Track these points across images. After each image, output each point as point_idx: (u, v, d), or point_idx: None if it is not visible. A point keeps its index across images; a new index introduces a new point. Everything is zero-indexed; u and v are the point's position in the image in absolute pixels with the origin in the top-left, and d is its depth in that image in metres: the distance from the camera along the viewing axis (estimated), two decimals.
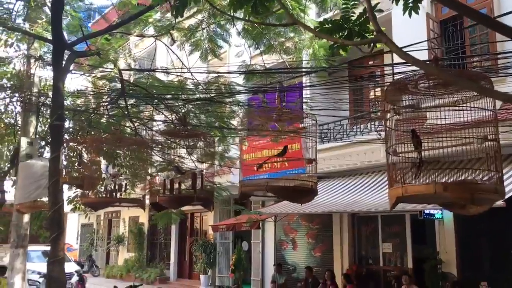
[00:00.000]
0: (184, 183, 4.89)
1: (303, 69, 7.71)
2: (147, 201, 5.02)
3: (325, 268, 13.08)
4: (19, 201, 6.98)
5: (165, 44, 8.46)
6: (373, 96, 12.97)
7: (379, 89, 12.65)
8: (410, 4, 2.93)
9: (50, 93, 10.71)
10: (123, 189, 5.09)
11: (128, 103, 8.52)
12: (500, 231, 9.86)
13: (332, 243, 13.40)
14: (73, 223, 31.83)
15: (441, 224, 10.86)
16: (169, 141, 8.60)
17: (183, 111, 8.88)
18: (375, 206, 10.01)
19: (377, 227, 12.55)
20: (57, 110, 6.32)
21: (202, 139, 4.89)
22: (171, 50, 8.39)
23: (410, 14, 3.00)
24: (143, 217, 22.77)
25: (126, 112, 8.56)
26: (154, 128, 9.57)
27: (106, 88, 9.71)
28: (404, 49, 5.20)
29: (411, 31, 9.45)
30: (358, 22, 2.94)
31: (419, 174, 2.85)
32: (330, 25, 2.95)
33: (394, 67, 10.24)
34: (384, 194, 10.62)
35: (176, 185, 4.52)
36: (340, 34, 3.02)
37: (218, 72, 7.72)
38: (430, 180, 2.71)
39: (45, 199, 7.53)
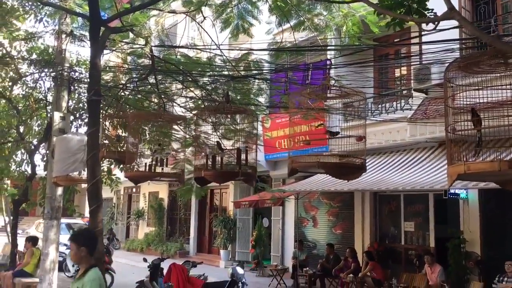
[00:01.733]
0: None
1: (338, 47, 7.65)
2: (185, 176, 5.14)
3: (346, 246, 13.24)
4: (56, 174, 7.16)
5: (195, 21, 8.48)
6: (398, 75, 12.86)
7: (404, 67, 12.55)
8: None
9: (82, 69, 10.91)
10: (165, 164, 5.21)
11: (157, 79, 8.61)
12: None
13: (353, 221, 13.51)
14: None
15: (465, 204, 10.87)
16: (197, 118, 8.71)
17: (211, 87, 8.98)
18: (398, 185, 10.05)
19: (399, 206, 12.59)
20: (94, 86, 6.42)
21: (245, 115, 4.94)
22: (201, 27, 8.41)
23: None
24: (163, 192, 23.14)
25: (155, 89, 8.66)
26: (183, 105, 9.66)
27: (134, 65, 9.79)
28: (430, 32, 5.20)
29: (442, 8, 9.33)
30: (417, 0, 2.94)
31: (479, 152, 2.88)
32: (391, 2, 2.94)
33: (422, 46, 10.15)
34: (408, 174, 10.65)
35: (218, 160, 4.62)
36: (400, 11, 3.02)
37: (249, 49, 7.71)
38: (493, 157, 2.73)
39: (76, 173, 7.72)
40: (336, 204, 14.18)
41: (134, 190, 26.46)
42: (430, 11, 2.97)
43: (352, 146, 4.49)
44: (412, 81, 10.85)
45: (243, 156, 4.40)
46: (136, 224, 25.63)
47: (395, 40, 12.94)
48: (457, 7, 10.06)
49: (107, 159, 9.01)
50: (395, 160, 11.59)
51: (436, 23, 2.90)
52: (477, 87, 3.14)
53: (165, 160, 5.21)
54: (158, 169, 5.19)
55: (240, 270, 8.58)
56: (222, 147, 4.93)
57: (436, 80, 10.33)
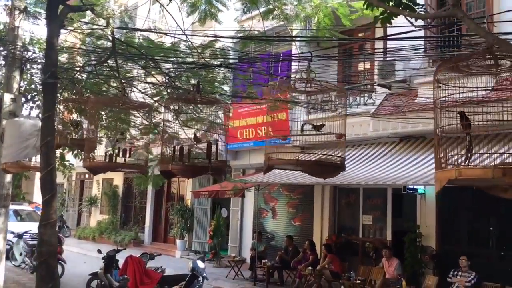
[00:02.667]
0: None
1: (305, 38, 7.49)
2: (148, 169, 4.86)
3: (304, 238, 13.27)
4: (5, 160, 6.68)
5: (160, 3, 8.11)
6: (362, 69, 12.90)
7: (368, 62, 12.58)
8: None
9: (35, 48, 10.26)
10: (127, 155, 4.89)
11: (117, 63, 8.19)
12: (480, 208, 10.11)
13: (313, 213, 13.53)
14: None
15: (422, 199, 11.07)
16: (160, 105, 8.35)
17: (174, 74, 8.64)
18: (360, 180, 10.09)
19: (358, 199, 12.70)
20: (50, 67, 5.99)
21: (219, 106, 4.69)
22: (166, 10, 8.04)
23: None
24: (118, 179, 22.50)
25: (115, 73, 8.24)
26: (144, 91, 9.27)
27: (93, 46, 9.30)
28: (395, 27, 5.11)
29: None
30: None
31: (470, 157, 2.78)
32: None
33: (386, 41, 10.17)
34: (370, 168, 10.71)
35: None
36: (390, 4, 2.87)
37: (216, 36, 7.43)
38: (486, 162, 2.64)
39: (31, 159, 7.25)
40: (296, 196, 14.17)
41: (87, 176, 25.62)
42: (420, 6, 2.84)
43: (318, 139, 4.33)
44: (375, 77, 10.89)
45: (213, 150, 4.19)
46: (88, 211, 24.87)
47: (360, 35, 12.97)
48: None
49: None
50: (357, 154, 11.64)
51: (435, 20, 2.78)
52: (466, 88, 3.04)
53: (127, 150, 4.91)
54: (119, 159, 4.88)
55: (201, 264, 8.36)
56: (199, 138, 4.68)
57: (399, 76, 10.42)
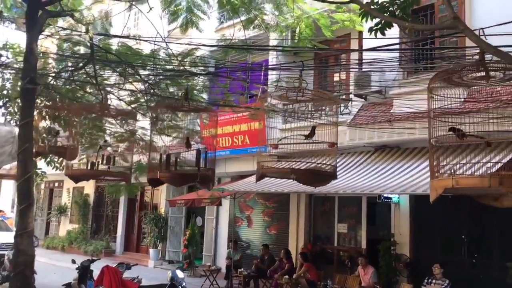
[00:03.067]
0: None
1: (288, 47, 7.56)
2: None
3: (280, 246, 13.29)
4: None
5: (140, 11, 8.03)
6: (337, 79, 13.08)
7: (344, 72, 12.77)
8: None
9: (8, 53, 10.02)
10: (111, 162, 4.81)
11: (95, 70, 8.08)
12: (453, 217, 10.36)
13: (288, 222, 13.58)
14: (8, 189, 30.28)
15: (397, 208, 11.26)
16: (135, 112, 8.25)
17: (154, 81, 8.58)
18: (337, 188, 10.19)
19: (333, 207, 12.82)
20: (29, 73, 5.88)
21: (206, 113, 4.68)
22: (147, 17, 7.99)
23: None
24: (89, 188, 22.06)
25: (93, 79, 8.13)
26: (122, 98, 9.16)
27: (70, 52, 9.14)
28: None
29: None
30: (403, 5, 2.88)
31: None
32: (377, 6, 2.85)
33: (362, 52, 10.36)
34: (345, 177, 10.82)
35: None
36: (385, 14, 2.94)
37: (197, 44, 7.43)
38: (484, 172, 2.70)
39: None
40: (272, 204, 14.20)
41: (56, 184, 25.03)
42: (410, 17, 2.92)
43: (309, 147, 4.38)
44: (351, 87, 11.06)
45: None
46: (58, 220, 24.25)
47: (335, 46, 13.16)
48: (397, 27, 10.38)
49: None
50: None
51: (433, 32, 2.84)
52: (458, 98, 3.13)
53: (112, 158, 4.83)
54: (102, 167, 4.79)
55: (180, 274, 8.26)
56: (190, 144, 4.66)
57: (375, 87, 10.61)
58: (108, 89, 9.11)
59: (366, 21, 3.28)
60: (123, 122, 8.28)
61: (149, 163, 4.71)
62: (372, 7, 2.89)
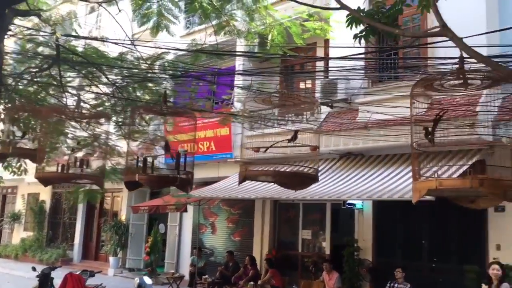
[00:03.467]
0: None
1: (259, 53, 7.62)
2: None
3: (244, 253, 13.28)
4: None
5: (109, 13, 7.92)
6: (303, 87, 13.25)
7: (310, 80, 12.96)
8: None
9: None
10: (84, 165, 4.69)
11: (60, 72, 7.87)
12: (413, 222, 10.68)
13: (253, 228, 13.60)
14: None
15: (360, 214, 11.48)
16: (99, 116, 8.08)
17: (122, 84, 8.44)
18: (302, 195, 10.30)
19: (298, 214, 12.94)
20: None
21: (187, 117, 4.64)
22: (115, 19, 7.87)
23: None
24: (45, 194, 21.36)
25: (59, 81, 7.92)
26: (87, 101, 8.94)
27: (32, 53, 8.85)
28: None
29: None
30: (388, 14, 2.97)
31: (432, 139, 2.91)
32: (363, 14, 2.94)
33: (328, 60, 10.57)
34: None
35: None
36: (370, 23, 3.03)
37: (168, 48, 7.37)
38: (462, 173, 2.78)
39: None
40: (236, 211, 14.18)
41: (9, 190, 24.09)
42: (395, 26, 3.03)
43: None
44: (318, 94, 11.24)
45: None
46: (11, 228, 23.30)
47: (301, 54, 13.34)
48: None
49: None
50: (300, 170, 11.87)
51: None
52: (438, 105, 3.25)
53: (85, 161, 4.71)
54: (74, 170, 4.66)
55: (148, 280, 8.12)
56: (169, 148, 4.60)
57: (341, 95, 10.83)
58: (73, 92, 8.92)
59: (351, 28, 3.37)
60: (89, 125, 8.09)
61: (126, 166, 4.63)
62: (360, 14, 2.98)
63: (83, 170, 4.61)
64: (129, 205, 16.48)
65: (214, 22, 7.75)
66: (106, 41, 8.20)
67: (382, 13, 3.01)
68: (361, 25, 3.11)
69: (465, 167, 8.78)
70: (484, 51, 3.29)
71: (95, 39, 7.68)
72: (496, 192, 2.61)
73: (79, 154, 4.93)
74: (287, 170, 4.15)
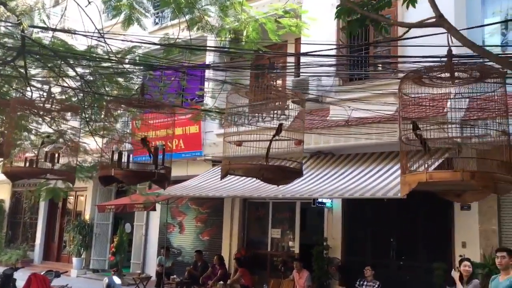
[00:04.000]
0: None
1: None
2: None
3: (213, 252, 13.15)
4: None
5: (78, 4, 7.62)
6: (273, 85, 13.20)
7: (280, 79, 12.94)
8: None
9: None
10: (56, 160, 4.47)
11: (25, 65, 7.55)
12: (382, 221, 10.82)
13: (222, 227, 13.48)
14: None
15: (329, 212, 11.55)
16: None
17: (91, 78, 8.18)
18: (274, 193, 10.27)
19: (267, 213, 12.91)
20: None
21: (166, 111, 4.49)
22: (84, 11, 7.60)
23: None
24: (4, 193, 20.57)
25: (23, 74, 7.60)
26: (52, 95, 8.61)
27: None
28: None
29: (321, 27, 9.73)
30: (377, 6, 2.94)
31: (428, 158, 2.94)
32: (349, 6, 2.90)
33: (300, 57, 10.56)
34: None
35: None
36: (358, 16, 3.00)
37: (142, 42, 7.17)
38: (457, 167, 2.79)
39: None
40: (205, 210, 14.02)
41: None
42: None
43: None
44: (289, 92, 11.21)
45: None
46: None
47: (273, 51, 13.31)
48: (335, 28, 10.71)
49: None
50: None
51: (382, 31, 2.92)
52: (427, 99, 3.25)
53: (56, 155, 4.49)
54: (43, 164, 4.44)
55: (117, 280, 7.88)
56: (147, 142, 4.44)
57: (312, 94, 10.85)
58: (39, 85, 8.59)
59: (342, 19, 3.33)
60: (55, 121, 7.79)
61: (100, 160, 4.44)
62: (346, 6, 2.95)
63: (54, 165, 4.40)
64: (93, 204, 16.05)
65: (187, 17, 7.60)
66: (75, 33, 7.93)
67: (372, 5, 2.99)
68: (348, 16, 3.08)
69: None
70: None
71: (65, 31, 7.39)
72: (488, 185, 2.62)
73: (49, 149, 4.69)
74: (273, 164, 4.05)
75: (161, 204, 13.06)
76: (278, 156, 3.94)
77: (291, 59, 11.60)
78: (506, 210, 9.26)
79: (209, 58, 12.91)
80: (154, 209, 12.39)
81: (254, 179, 11.64)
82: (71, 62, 7.66)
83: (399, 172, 9.08)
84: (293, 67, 11.03)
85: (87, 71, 8.05)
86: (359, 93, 9.65)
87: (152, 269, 14.17)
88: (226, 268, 12.23)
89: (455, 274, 6.81)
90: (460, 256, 9.55)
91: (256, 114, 11.16)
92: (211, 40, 11.62)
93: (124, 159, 4.10)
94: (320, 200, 11.02)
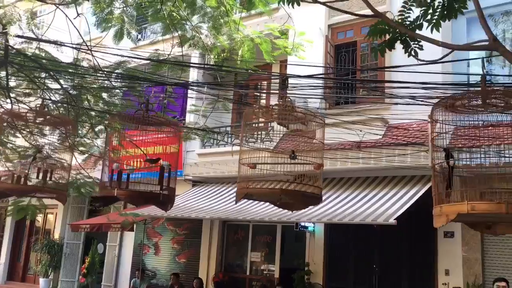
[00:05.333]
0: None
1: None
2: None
3: (190, 275, 12.76)
4: None
5: (65, 15, 7.37)
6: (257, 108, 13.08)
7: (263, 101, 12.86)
8: None
9: None
10: (48, 177, 4.16)
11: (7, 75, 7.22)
12: (364, 247, 10.71)
13: (199, 249, 13.10)
14: None
15: (311, 237, 11.38)
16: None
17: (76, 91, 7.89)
18: (254, 216, 10.08)
19: (247, 235, 12.64)
20: None
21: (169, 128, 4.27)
22: (72, 23, 7.35)
23: None
24: None
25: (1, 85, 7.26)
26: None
27: None
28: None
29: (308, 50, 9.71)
30: (412, 26, 2.85)
31: (449, 191, 2.81)
32: (384, 26, 2.80)
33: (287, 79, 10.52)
34: (262, 206, 10.66)
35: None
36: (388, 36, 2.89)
37: (133, 57, 6.96)
38: (500, 199, 2.65)
39: None
40: (183, 231, 13.63)
41: None
42: (416, 42, 2.92)
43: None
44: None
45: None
46: None
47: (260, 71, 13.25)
48: (322, 52, 10.75)
49: None
50: None
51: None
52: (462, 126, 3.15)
53: (48, 172, 4.19)
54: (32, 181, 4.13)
55: None
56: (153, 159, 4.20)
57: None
58: (19, 98, 8.23)
59: (374, 39, 3.22)
60: (29, 136, 7.40)
61: (101, 179, 4.17)
62: (379, 26, 2.85)
63: (46, 183, 4.10)
64: (64, 222, 15.45)
65: (178, 33, 7.45)
66: (62, 45, 7.65)
67: (406, 25, 2.90)
68: (381, 36, 2.99)
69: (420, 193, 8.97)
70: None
71: (51, 42, 7.10)
72: None
73: (40, 165, 4.39)
74: (294, 189, 3.87)
75: (136, 224, 12.62)
76: (297, 180, 3.74)
77: (276, 81, 11.56)
78: (489, 238, 9.29)
79: (193, 75, 12.74)
80: (132, 230, 11.96)
81: (232, 200, 11.47)
82: (53, 74, 7.37)
83: (387, 197, 9.03)
84: (279, 88, 10.97)
85: (71, 84, 7.76)
86: (346, 116, 9.63)
87: None
88: None
89: None
90: (444, 284, 9.54)
91: (240, 135, 10.98)
92: (195, 57, 11.50)
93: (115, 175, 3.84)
94: (302, 223, 10.86)
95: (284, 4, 3.07)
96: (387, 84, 8.91)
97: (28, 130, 6.92)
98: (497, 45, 2.68)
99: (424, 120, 8.61)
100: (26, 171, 4.21)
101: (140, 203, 4.30)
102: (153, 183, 4.10)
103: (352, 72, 10.56)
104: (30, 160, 4.26)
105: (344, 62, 10.81)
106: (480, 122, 2.96)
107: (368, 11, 3.14)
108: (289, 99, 4.58)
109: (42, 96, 7.77)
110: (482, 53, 9.42)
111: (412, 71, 5.02)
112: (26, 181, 4.15)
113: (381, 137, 9.43)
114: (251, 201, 10.95)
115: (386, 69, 9.25)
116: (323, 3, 3.30)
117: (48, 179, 4.14)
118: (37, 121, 4.33)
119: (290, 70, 10.58)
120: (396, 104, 8.13)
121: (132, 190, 3.80)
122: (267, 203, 10.53)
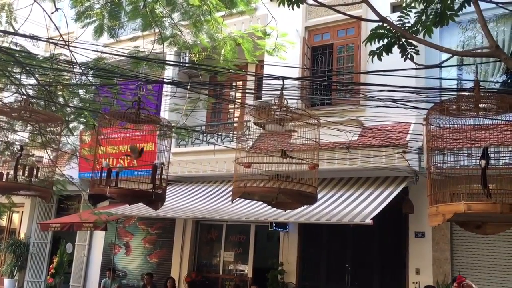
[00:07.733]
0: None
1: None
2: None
3: (161, 275, 12.65)
4: None
5: (44, 10, 7.18)
6: (231, 108, 13.12)
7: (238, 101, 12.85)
8: None
9: None
10: (34, 174, 4.05)
11: None
12: (337, 246, 10.88)
13: (172, 249, 13.00)
14: None
15: (285, 236, 11.47)
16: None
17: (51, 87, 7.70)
18: (228, 215, 10.06)
19: (220, 235, 12.62)
20: None
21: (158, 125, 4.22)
22: (50, 18, 7.18)
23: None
24: None
25: None
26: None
27: None
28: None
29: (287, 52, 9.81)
30: (411, 30, 2.93)
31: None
32: (384, 30, 2.86)
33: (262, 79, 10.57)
34: (237, 205, 10.68)
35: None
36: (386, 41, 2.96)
37: (114, 53, 6.85)
38: (495, 199, 2.74)
39: None
40: (155, 231, 13.49)
41: None
42: (413, 47, 3.00)
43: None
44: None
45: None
46: None
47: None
48: (299, 53, 10.85)
49: None
50: (222, 189, 11.59)
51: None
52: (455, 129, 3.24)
53: (34, 169, 4.07)
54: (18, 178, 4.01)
55: None
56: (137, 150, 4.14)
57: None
58: None
59: (371, 43, 3.28)
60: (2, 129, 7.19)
61: (92, 177, 4.08)
62: (378, 31, 2.91)
63: (32, 180, 3.99)
64: (31, 221, 15.03)
65: (158, 30, 7.38)
66: (38, 40, 7.45)
67: (407, 30, 2.98)
68: (379, 41, 3.06)
69: (394, 194, 9.16)
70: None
71: (28, 36, 6.92)
72: None
73: (25, 162, 4.27)
74: (292, 188, 3.90)
75: (108, 224, 12.41)
76: (292, 179, 3.77)
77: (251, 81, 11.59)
78: (458, 238, 9.60)
79: (168, 73, 12.61)
80: (106, 229, 11.74)
81: (207, 199, 11.42)
82: (27, 69, 7.18)
83: (362, 197, 9.16)
84: (255, 88, 11.01)
85: (47, 80, 7.57)
86: (322, 117, 9.74)
87: None
88: None
89: None
90: (414, 283, 9.78)
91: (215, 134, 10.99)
92: (170, 55, 11.43)
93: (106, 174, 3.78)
94: (278, 222, 10.91)
95: (284, 5, 3.11)
96: (362, 86, 9.10)
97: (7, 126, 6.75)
98: (499, 52, 2.79)
99: (399, 122, 8.84)
100: (12, 168, 4.09)
101: (132, 202, 4.24)
102: (144, 181, 4.05)
103: (329, 74, 10.68)
104: (17, 157, 4.12)
105: (321, 64, 10.94)
106: (472, 125, 3.08)
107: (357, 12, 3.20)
108: (272, 100, 4.62)
109: (20, 91, 7.59)
110: (454, 59, 9.73)
111: (389, 75, 5.15)
112: (15, 178, 4.02)
113: (356, 138, 9.59)
114: (226, 200, 10.98)
115: (361, 73, 9.42)
116: (322, 4, 3.34)
117: (33, 177, 4.03)
118: (24, 117, 4.19)
119: (266, 70, 10.64)
120: (371, 106, 8.29)
121: (124, 188, 3.75)
122: (243, 203, 10.63)
